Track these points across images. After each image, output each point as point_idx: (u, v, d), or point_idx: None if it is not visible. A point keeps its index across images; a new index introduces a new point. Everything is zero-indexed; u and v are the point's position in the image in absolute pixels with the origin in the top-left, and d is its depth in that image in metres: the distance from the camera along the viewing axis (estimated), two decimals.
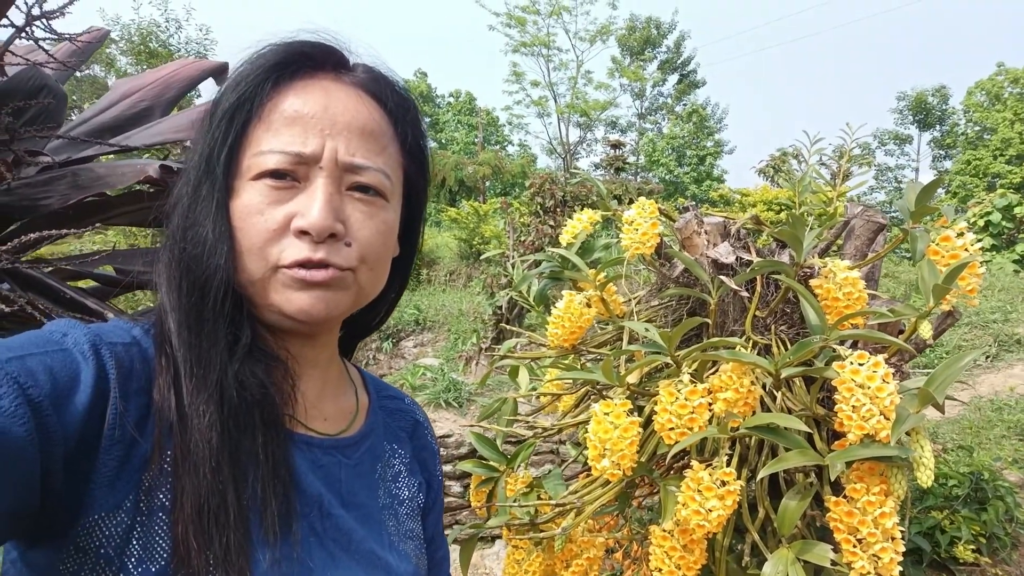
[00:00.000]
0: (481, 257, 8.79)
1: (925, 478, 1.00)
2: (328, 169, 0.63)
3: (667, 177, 30.59)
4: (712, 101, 36.00)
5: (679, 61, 34.01)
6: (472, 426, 1.64)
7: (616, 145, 13.98)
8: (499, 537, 2.70)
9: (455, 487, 3.34)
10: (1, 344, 0.54)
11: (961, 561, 1.83)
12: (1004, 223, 13.83)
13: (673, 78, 34.55)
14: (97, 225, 0.74)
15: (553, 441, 3.59)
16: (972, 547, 1.81)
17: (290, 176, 0.62)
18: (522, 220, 6.24)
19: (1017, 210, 13.69)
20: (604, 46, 31.21)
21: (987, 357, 5.08)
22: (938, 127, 32.28)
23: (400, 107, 0.71)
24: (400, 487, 0.81)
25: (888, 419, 1.02)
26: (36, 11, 1.05)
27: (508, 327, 1.89)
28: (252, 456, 0.59)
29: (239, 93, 0.63)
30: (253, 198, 0.62)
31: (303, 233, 0.61)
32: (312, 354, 0.72)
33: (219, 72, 1.44)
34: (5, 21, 1.09)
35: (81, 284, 0.84)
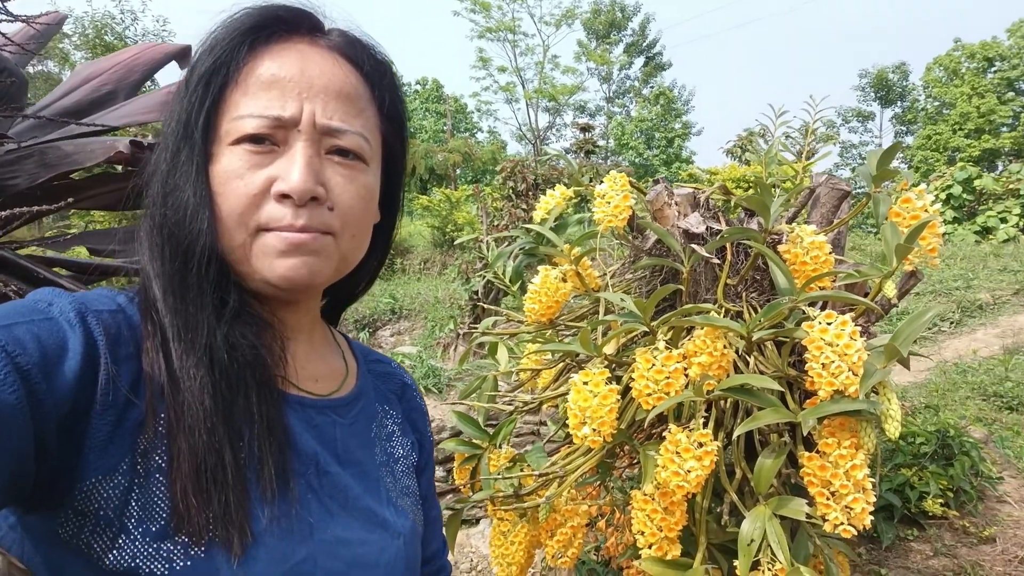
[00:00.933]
0: (455, 243, 8.78)
1: (892, 430, 1.04)
2: (307, 132, 0.63)
3: (637, 160, 30.76)
4: (679, 83, 36.20)
5: (645, 44, 34.11)
6: (454, 404, 1.65)
7: (585, 128, 14.01)
8: (484, 517, 2.73)
9: (438, 471, 3.35)
10: None
11: (930, 515, 1.90)
12: (965, 196, 14.18)
13: (639, 61, 34.66)
14: (70, 200, 0.73)
15: (534, 423, 3.62)
16: (940, 501, 1.89)
17: (269, 140, 0.62)
18: (495, 205, 6.24)
19: (977, 183, 14.03)
20: (570, 30, 31.22)
21: (951, 323, 5.25)
22: (899, 103, 32.87)
23: (376, 71, 0.71)
24: (395, 446, 0.81)
25: (856, 375, 1.05)
26: None
27: (486, 305, 1.90)
28: (247, 416, 0.59)
29: (215, 57, 0.63)
30: (232, 163, 0.62)
31: (284, 197, 0.61)
32: (296, 319, 0.72)
33: (182, 56, 1.42)
34: None
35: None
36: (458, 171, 17.85)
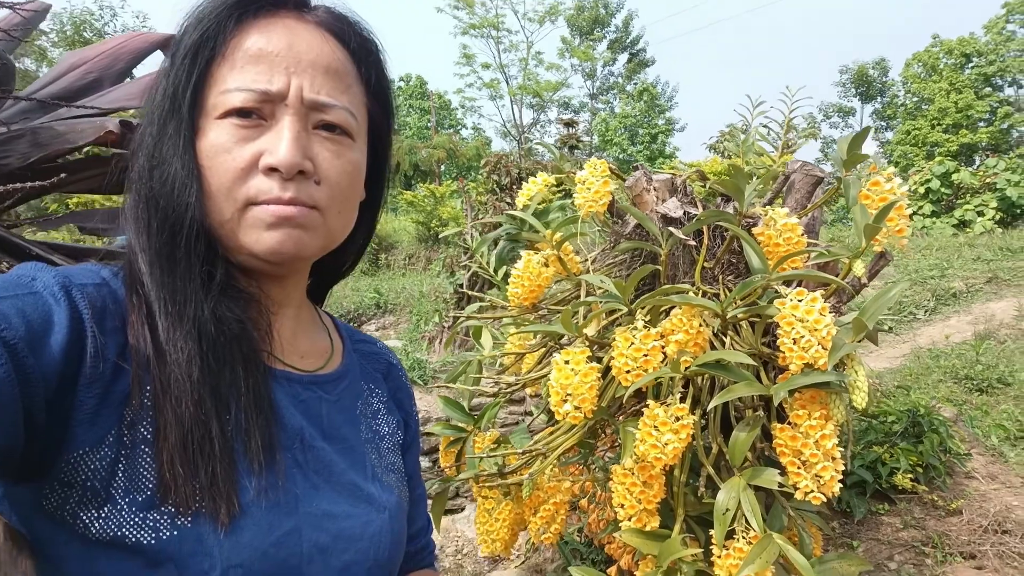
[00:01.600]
0: (439, 237, 8.80)
1: (860, 400, 1.09)
2: (294, 106, 0.63)
3: (621, 156, 30.88)
4: (662, 79, 36.34)
5: (628, 40, 34.23)
6: (439, 386, 1.68)
7: (569, 124, 14.07)
8: (470, 502, 2.76)
9: (424, 461, 3.38)
10: None
11: (901, 490, 1.97)
12: (943, 190, 14.38)
13: (623, 57, 34.78)
14: (62, 176, 0.74)
15: (519, 413, 3.66)
16: (910, 476, 1.95)
17: (256, 114, 0.62)
18: (479, 199, 6.27)
19: (955, 177, 14.24)
20: (553, 26, 31.31)
21: (926, 311, 5.38)
22: (879, 99, 33.26)
23: (363, 48, 0.71)
24: (380, 423, 0.82)
25: (825, 349, 1.10)
26: None
27: (471, 293, 1.93)
28: (234, 389, 0.59)
29: (202, 30, 0.63)
30: (220, 136, 0.62)
31: (272, 170, 0.61)
32: (283, 294, 0.73)
33: (166, 45, 1.43)
34: None
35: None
36: (442, 167, 17.85)
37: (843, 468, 1.96)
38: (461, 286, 5.14)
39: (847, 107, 33.95)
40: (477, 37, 29.91)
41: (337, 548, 0.65)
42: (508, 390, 1.61)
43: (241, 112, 0.62)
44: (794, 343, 1.13)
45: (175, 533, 0.54)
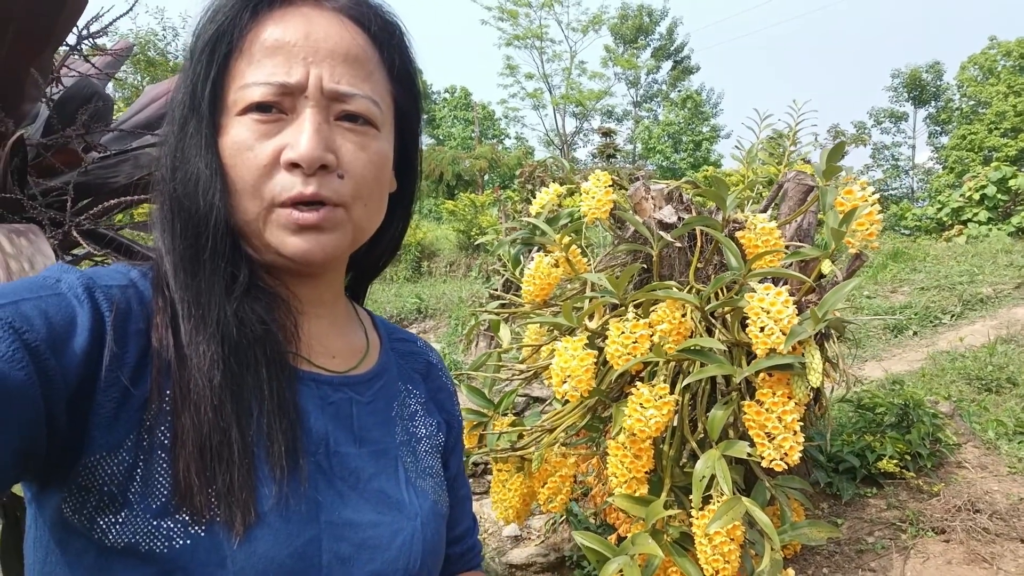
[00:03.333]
0: (475, 244, 9.04)
1: (814, 379, 1.25)
2: (314, 98, 0.61)
3: (664, 164, 30.76)
4: (707, 86, 36.13)
5: (672, 48, 34.14)
6: (460, 375, 1.88)
7: (606, 133, 14.21)
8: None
9: None
10: None
11: (889, 475, 2.09)
12: (999, 196, 13.95)
13: (667, 65, 34.68)
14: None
15: (533, 398, 3.82)
16: (896, 462, 2.07)
17: (276, 108, 0.61)
18: (514, 208, 6.48)
19: (1012, 182, 13.81)
20: (597, 35, 31.43)
21: (952, 316, 5.37)
22: (933, 103, 32.34)
23: (384, 31, 0.68)
24: (417, 425, 0.78)
25: (785, 335, 1.26)
26: (86, 32, 1.30)
27: (492, 291, 2.13)
28: (256, 392, 0.58)
29: (217, 24, 0.61)
30: (241, 133, 0.60)
31: (294, 166, 0.60)
32: (315, 293, 0.71)
33: None
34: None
35: None
36: (485, 177, 18.18)
37: (830, 453, 2.11)
38: (496, 290, 5.35)
39: (899, 112, 33.11)
40: (521, 48, 30.32)
41: (360, 558, 0.62)
42: (520, 376, 1.81)
43: (261, 107, 0.60)
44: (760, 331, 1.30)
45: (188, 542, 0.53)
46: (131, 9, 1.34)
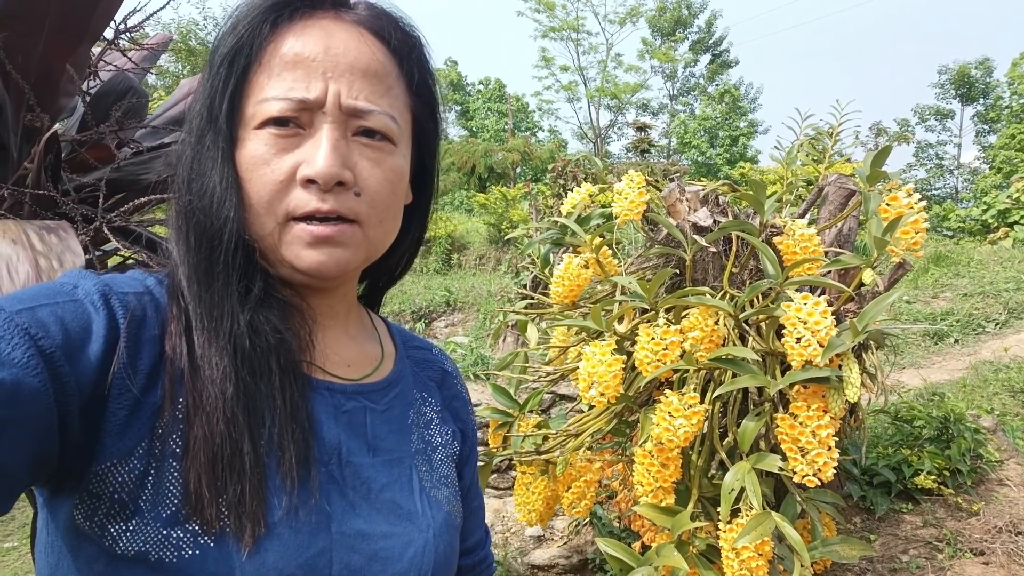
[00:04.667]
0: (506, 238, 9.05)
1: (852, 394, 1.20)
2: (332, 114, 0.61)
3: (699, 159, 30.36)
4: (746, 81, 35.52)
5: (711, 41, 33.62)
6: (486, 374, 1.87)
7: (641, 128, 14.06)
8: None
9: (483, 437, 3.60)
10: (11, 296, 0.53)
11: (927, 491, 2.02)
12: None
13: (705, 58, 34.18)
14: None
15: (560, 396, 3.80)
16: (934, 478, 2.00)
17: (294, 123, 0.60)
18: (545, 202, 6.45)
19: None
20: (634, 28, 31.13)
21: (996, 324, 5.19)
22: (981, 101, 31.32)
23: (404, 44, 0.67)
24: (432, 434, 0.78)
25: (823, 347, 1.22)
26: (123, 26, 1.31)
27: (521, 291, 2.11)
28: (269, 402, 0.58)
29: (237, 37, 0.61)
30: (258, 148, 0.60)
31: (310, 182, 0.60)
32: (328, 305, 0.71)
33: None
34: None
35: None
36: (518, 170, 18.14)
37: (865, 466, 2.05)
38: (524, 286, 5.35)
39: (945, 110, 32.15)
40: (556, 40, 30.15)
41: (371, 570, 0.62)
42: (546, 378, 1.79)
43: (278, 121, 0.60)
44: (796, 342, 1.25)
45: (197, 552, 0.53)
46: (168, 2, 1.34)
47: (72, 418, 0.51)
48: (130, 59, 1.35)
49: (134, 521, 0.53)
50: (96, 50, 1.32)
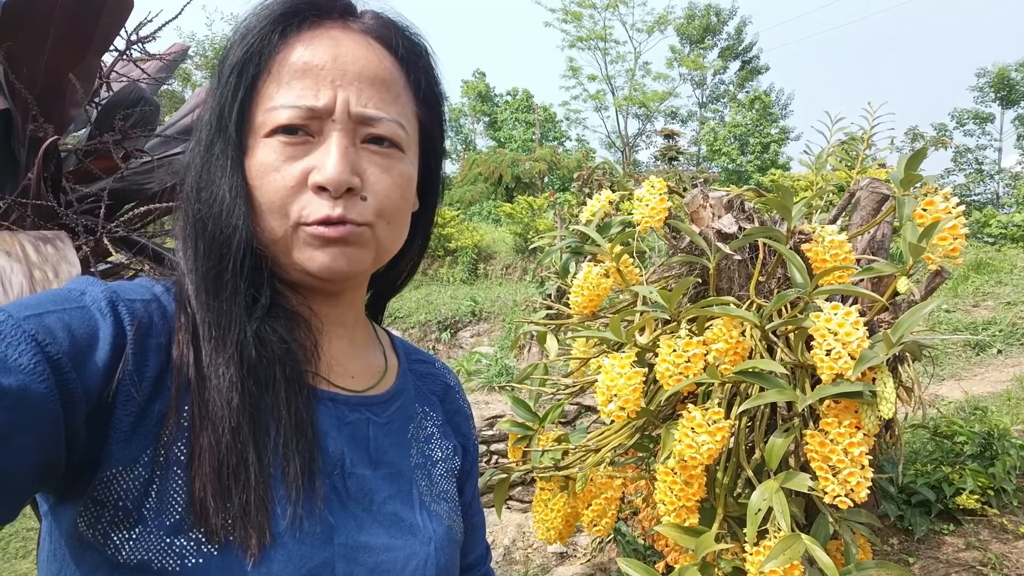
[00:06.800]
0: (530, 247, 9.02)
1: (886, 410, 1.13)
2: (341, 121, 0.62)
3: (729, 166, 30.01)
4: (777, 87, 35.06)
5: (740, 47, 33.30)
6: (506, 386, 1.83)
7: (668, 135, 13.93)
8: None
9: (499, 445, 3.52)
10: (19, 303, 0.54)
11: (969, 511, 1.91)
12: None
13: (735, 65, 33.85)
14: None
15: (582, 407, 3.73)
16: (977, 498, 1.89)
17: (303, 131, 0.61)
18: (570, 212, 6.39)
19: None
20: (662, 36, 30.97)
21: None
22: (1023, 103, 30.47)
23: (411, 53, 0.68)
24: (433, 448, 0.78)
25: (854, 360, 1.15)
26: (134, 37, 1.30)
27: (544, 302, 2.07)
28: (274, 412, 0.58)
29: (246, 46, 0.62)
30: (268, 155, 0.61)
31: (321, 189, 0.61)
32: (337, 313, 0.72)
33: None
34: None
35: None
36: (545, 179, 18.12)
37: (902, 484, 1.96)
38: (549, 296, 5.28)
39: (984, 113, 31.31)
40: (584, 50, 30.14)
41: None
42: (566, 391, 1.74)
43: (288, 129, 0.61)
44: (826, 354, 1.19)
45: (200, 561, 0.53)
46: (179, 14, 1.34)
47: (79, 424, 0.51)
48: (143, 70, 1.35)
49: (137, 529, 0.53)
50: (108, 60, 1.32)
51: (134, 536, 0.53)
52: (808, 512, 1.47)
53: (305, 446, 0.59)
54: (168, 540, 0.53)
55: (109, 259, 1.00)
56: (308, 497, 0.58)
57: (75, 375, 0.51)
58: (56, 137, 0.85)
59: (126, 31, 1.28)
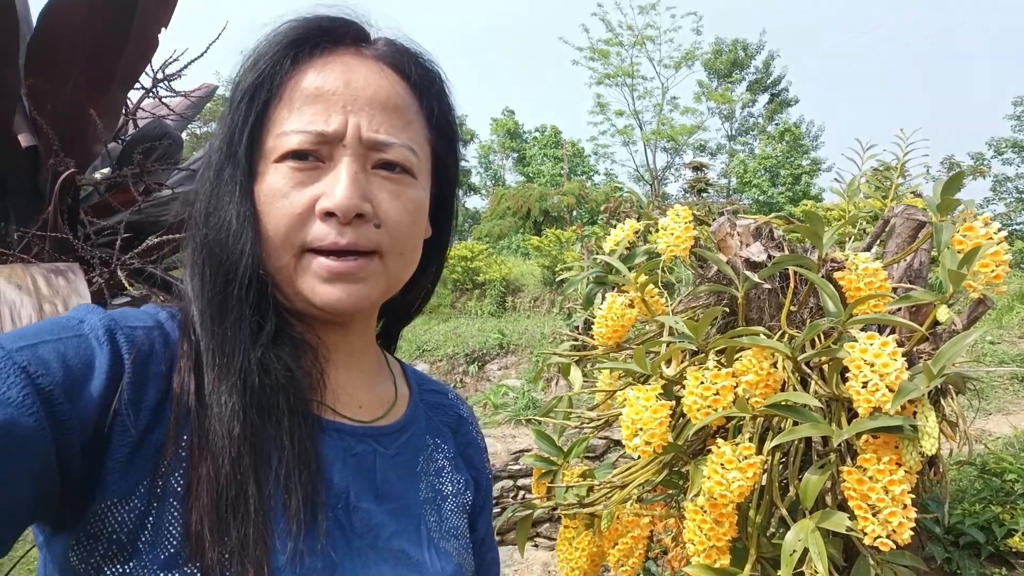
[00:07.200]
0: (557, 279, 9.01)
1: (929, 446, 1.07)
2: (352, 147, 0.60)
3: (760, 198, 29.76)
4: (807, 119, 34.83)
5: (769, 80, 33.29)
6: (530, 420, 1.79)
7: (697, 167, 13.91)
8: None
9: (525, 480, 3.45)
10: (15, 332, 0.53)
11: (1020, 554, 1.79)
12: None
13: (763, 98, 33.82)
14: None
15: (610, 441, 3.65)
16: None
17: (313, 156, 0.60)
18: (597, 244, 6.38)
19: None
20: (690, 71, 31.11)
21: None
22: None
23: (424, 79, 0.68)
24: (444, 482, 0.75)
25: (893, 392, 1.09)
26: (161, 75, 1.33)
27: (568, 333, 2.04)
28: (276, 442, 0.56)
29: (258, 72, 0.61)
30: (277, 181, 0.60)
31: (329, 215, 0.59)
32: (345, 341, 0.70)
33: None
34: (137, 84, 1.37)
35: None
36: (573, 213, 18.17)
37: (949, 524, 1.85)
38: (576, 328, 5.24)
39: (1023, 142, 30.70)
40: (611, 86, 30.41)
41: None
42: (591, 424, 1.69)
43: (298, 155, 0.60)
44: (863, 386, 1.13)
45: None
46: (204, 53, 1.36)
47: (73, 455, 0.50)
48: (168, 107, 1.37)
49: (131, 564, 0.51)
50: (135, 97, 1.35)
51: (127, 570, 0.51)
52: (847, 554, 1.39)
53: (308, 478, 0.57)
54: (162, 575, 0.51)
55: (126, 292, 1.01)
56: (310, 532, 0.56)
57: (68, 406, 0.49)
58: (73, 171, 0.86)
59: (152, 68, 1.31)
